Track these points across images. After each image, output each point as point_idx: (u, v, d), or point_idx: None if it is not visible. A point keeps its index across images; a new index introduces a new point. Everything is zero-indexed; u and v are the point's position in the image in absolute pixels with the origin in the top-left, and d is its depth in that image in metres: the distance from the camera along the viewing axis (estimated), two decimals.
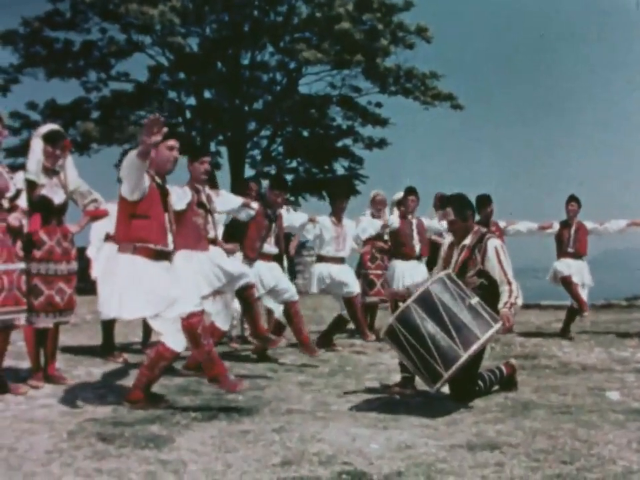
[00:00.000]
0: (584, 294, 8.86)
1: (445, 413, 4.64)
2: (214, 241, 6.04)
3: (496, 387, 5.32)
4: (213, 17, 21.91)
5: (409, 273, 8.33)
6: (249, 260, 6.78)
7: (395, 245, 8.66)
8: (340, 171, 23.98)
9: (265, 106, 23.08)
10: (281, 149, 24.12)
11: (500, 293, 5.05)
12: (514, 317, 4.99)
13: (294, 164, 24.25)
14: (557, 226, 9.03)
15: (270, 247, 6.98)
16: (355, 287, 7.84)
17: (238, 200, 6.64)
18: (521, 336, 8.59)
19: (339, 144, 24.19)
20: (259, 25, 21.83)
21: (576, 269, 8.82)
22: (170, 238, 4.82)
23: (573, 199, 9.04)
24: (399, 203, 8.88)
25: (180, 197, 5.52)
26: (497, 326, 4.72)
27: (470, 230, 5.30)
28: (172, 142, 4.80)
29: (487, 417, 4.53)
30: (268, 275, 6.78)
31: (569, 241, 8.89)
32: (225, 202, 6.47)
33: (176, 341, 4.69)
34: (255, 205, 6.76)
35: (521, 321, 10.10)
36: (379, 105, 23.61)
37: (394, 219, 8.54)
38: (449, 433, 4.12)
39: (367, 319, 9.24)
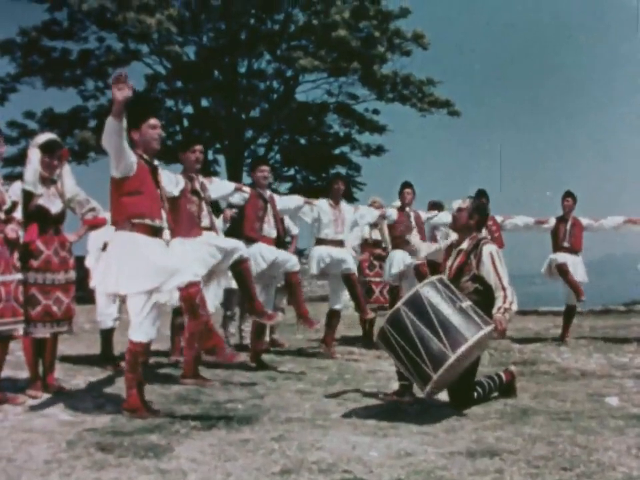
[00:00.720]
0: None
1: (444, 420, 4.63)
2: (209, 229, 6.06)
3: (495, 394, 5.32)
4: (209, 25, 21.98)
5: (409, 258, 8.39)
6: (251, 240, 6.79)
7: (394, 237, 8.68)
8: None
9: (262, 114, 23.12)
10: (278, 156, 24.18)
11: (495, 298, 5.07)
12: (508, 322, 5.00)
13: (291, 172, 24.32)
14: (553, 221, 9.07)
15: (269, 229, 6.99)
16: (352, 264, 7.86)
17: (231, 185, 6.79)
18: (520, 342, 8.59)
19: (337, 151, 24.24)
20: (255, 33, 21.88)
21: (571, 263, 8.85)
22: (164, 214, 4.87)
23: (568, 194, 9.08)
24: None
25: (171, 181, 5.55)
26: (488, 329, 4.71)
27: (470, 231, 5.34)
28: (153, 120, 4.83)
29: (486, 423, 4.53)
30: (267, 250, 6.79)
31: (565, 236, 8.93)
32: (218, 188, 6.56)
33: (141, 331, 4.70)
34: (247, 188, 6.86)
35: (519, 327, 10.11)
36: (376, 112, 23.69)
37: (391, 212, 8.57)
38: (449, 440, 4.12)
39: (366, 326, 9.25)
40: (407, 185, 8.74)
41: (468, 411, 4.88)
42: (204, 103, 22.70)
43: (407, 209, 8.66)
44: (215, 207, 6.81)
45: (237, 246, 5.93)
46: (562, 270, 8.82)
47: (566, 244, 8.93)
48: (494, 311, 4.96)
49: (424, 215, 8.91)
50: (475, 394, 5.10)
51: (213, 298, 6.13)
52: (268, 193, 7.14)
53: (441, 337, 4.56)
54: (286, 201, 7.53)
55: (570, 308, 8.98)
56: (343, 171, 24.07)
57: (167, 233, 5.12)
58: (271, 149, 23.80)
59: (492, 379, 5.30)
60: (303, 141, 24.16)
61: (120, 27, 20.03)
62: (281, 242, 7.38)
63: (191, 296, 4.65)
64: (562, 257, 8.88)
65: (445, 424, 4.54)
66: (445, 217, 8.91)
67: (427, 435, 4.23)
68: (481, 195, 8.74)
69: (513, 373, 5.47)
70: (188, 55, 21.70)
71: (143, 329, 4.71)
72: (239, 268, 5.93)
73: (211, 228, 6.11)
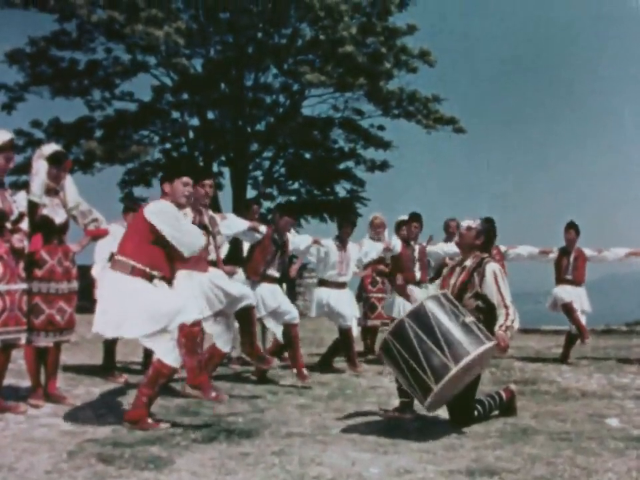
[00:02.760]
0: (583, 320, 8.86)
1: (444, 438, 4.64)
2: (214, 263, 6.04)
3: (495, 412, 5.32)
4: (217, 38, 22.07)
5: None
6: (252, 282, 6.81)
7: (396, 270, 8.54)
8: (342, 193, 24.03)
9: (268, 127, 23.17)
10: (283, 170, 24.17)
11: (497, 316, 5.09)
12: (509, 340, 5.02)
13: (296, 185, 24.30)
14: (556, 252, 9.04)
15: (272, 271, 6.98)
16: (350, 319, 7.81)
17: (244, 223, 6.61)
18: (521, 361, 8.59)
19: (341, 166, 24.23)
20: (262, 47, 21.97)
21: (575, 296, 8.83)
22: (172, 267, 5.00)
23: (571, 226, 9.02)
24: (399, 226, 8.79)
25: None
26: (490, 344, 4.73)
27: (474, 250, 5.37)
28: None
29: (486, 442, 4.53)
30: (270, 296, 6.80)
31: (567, 269, 8.90)
32: (231, 225, 6.45)
33: (172, 357, 4.70)
34: (263, 228, 6.75)
35: (521, 345, 10.11)
36: (381, 127, 23.69)
37: (396, 243, 8.48)
38: (448, 458, 4.12)
39: (368, 341, 9.26)
40: (415, 217, 8.52)
41: (468, 430, 4.88)
42: (210, 115, 22.74)
43: (412, 242, 8.49)
44: None
45: (245, 294, 5.90)
46: (568, 309, 8.80)
47: (569, 277, 8.89)
48: (496, 328, 4.99)
49: (429, 248, 8.70)
50: (476, 412, 5.11)
51: (225, 339, 6.09)
52: (286, 237, 7.12)
53: (444, 350, 4.58)
54: (297, 243, 7.45)
55: (573, 336, 8.94)
56: (347, 185, 24.12)
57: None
58: (275, 162, 23.84)
59: (492, 397, 5.31)
60: (308, 155, 24.17)
61: (128, 38, 20.13)
62: (283, 280, 7.37)
63: (193, 334, 4.72)
64: (566, 292, 8.82)
65: (445, 442, 4.54)
66: (441, 248, 8.83)
67: (427, 453, 4.24)
68: (488, 222, 8.69)
69: (513, 392, 5.48)
70: (195, 68, 21.78)
71: (174, 354, 4.71)
72: (244, 313, 5.94)
73: (217, 263, 6.08)
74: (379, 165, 23.96)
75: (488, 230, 5.48)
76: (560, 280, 8.97)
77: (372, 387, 6.72)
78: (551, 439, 4.60)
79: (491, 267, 5.22)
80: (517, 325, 5.10)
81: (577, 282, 8.92)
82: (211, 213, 6.10)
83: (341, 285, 7.87)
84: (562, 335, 9.61)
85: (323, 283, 7.87)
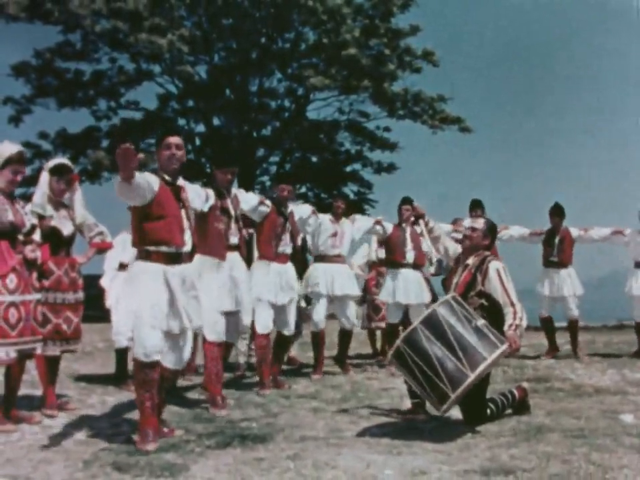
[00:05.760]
0: (574, 304, 8.90)
1: (458, 437, 4.63)
2: (237, 247, 6.06)
3: (509, 411, 5.31)
4: (220, 44, 22.15)
5: (402, 284, 8.21)
6: (266, 260, 6.76)
7: (387, 252, 8.52)
8: (349, 195, 24.03)
9: (274, 132, 23.23)
10: None
11: (504, 314, 5.07)
12: (520, 338, 5.00)
13: (303, 189, 24.33)
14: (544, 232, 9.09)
15: (285, 246, 6.90)
16: (353, 318, 7.92)
17: (255, 197, 6.68)
18: (533, 358, 8.57)
19: (348, 169, 24.27)
20: (266, 52, 22.03)
21: (564, 278, 8.88)
22: (188, 236, 4.69)
23: (555, 209, 9.03)
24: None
25: (199, 195, 5.26)
26: (504, 347, 4.73)
27: (479, 249, 5.37)
28: (168, 140, 4.70)
29: (500, 441, 4.52)
30: (280, 293, 6.78)
31: (553, 250, 8.93)
32: (248, 200, 6.51)
33: (144, 349, 4.49)
34: (268, 202, 6.75)
35: (533, 343, 10.08)
36: (387, 129, 23.74)
37: (388, 225, 8.41)
38: (463, 458, 4.12)
39: (386, 344, 9.26)
40: (405, 201, 8.43)
41: (482, 429, 4.88)
42: (216, 121, 22.83)
43: (404, 224, 8.42)
44: None
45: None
46: (546, 325, 9.01)
47: (554, 258, 8.92)
48: (505, 328, 4.96)
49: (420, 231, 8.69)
50: (489, 411, 5.09)
51: (232, 334, 6.18)
52: (289, 209, 7.08)
53: (460, 357, 4.57)
54: (300, 212, 7.37)
55: (572, 322, 9.00)
56: (354, 188, 24.15)
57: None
58: (282, 166, 23.87)
59: (505, 395, 5.30)
60: (314, 159, 24.21)
61: (132, 47, 20.23)
62: (296, 258, 7.31)
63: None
64: (549, 286, 8.91)
65: (459, 442, 4.54)
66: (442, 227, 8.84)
67: (441, 453, 4.24)
68: (476, 205, 8.77)
69: (526, 390, 5.47)
70: (199, 74, 21.88)
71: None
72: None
73: (239, 248, 6.09)
74: (386, 167, 23.99)
75: (492, 229, 5.48)
76: (546, 262, 9.01)
77: (384, 388, 6.71)
78: (565, 437, 4.58)
79: (494, 265, 5.20)
80: (525, 323, 5.08)
81: (563, 264, 8.94)
82: (234, 192, 6.16)
83: (337, 259, 7.83)
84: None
85: (318, 258, 7.84)
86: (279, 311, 6.84)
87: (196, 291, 4.75)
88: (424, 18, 22.77)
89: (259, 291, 6.52)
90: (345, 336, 7.94)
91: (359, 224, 8.21)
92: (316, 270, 7.75)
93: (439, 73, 23.34)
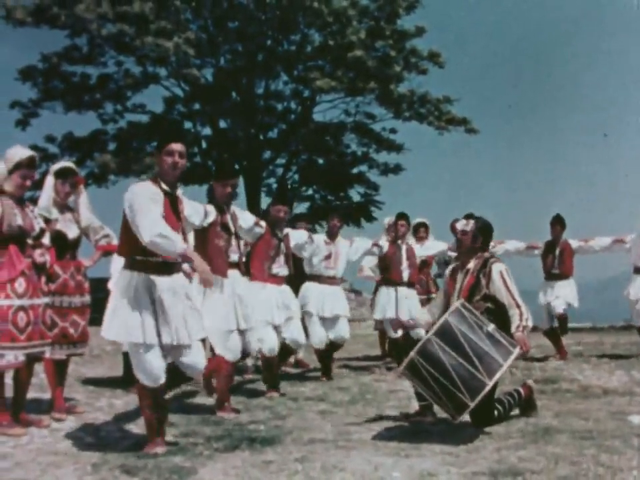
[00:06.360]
0: (560, 306, 8.86)
1: (466, 439, 4.63)
2: (237, 265, 5.95)
3: (516, 411, 5.31)
4: (226, 47, 22.15)
5: (394, 302, 8.23)
6: (259, 281, 6.67)
7: (382, 270, 8.54)
8: (356, 197, 24.03)
9: (280, 134, 23.22)
10: (296, 177, 24.22)
11: (510, 317, 5.06)
12: (529, 340, 5.01)
13: (310, 192, 24.33)
14: (542, 246, 9.05)
15: (280, 268, 6.84)
16: (346, 333, 7.86)
17: (252, 218, 6.43)
18: (541, 360, 8.55)
19: (354, 171, 24.23)
20: (272, 54, 22.04)
21: (563, 287, 8.89)
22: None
23: (556, 220, 9.02)
24: (389, 228, 8.87)
25: (197, 212, 5.09)
26: (517, 351, 4.75)
27: (475, 252, 5.34)
28: (170, 147, 4.51)
29: (509, 443, 4.52)
30: (281, 307, 6.76)
31: (554, 263, 8.90)
32: (246, 219, 6.30)
33: (149, 377, 4.37)
34: (263, 223, 6.60)
35: (541, 344, 10.05)
36: (393, 130, 23.69)
37: (384, 244, 8.44)
38: (471, 460, 4.11)
39: (385, 346, 9.27)
40: (401, 216, 8.45)
41: (490, 430, 4.87)
42: (222, 124, 22.85)
43: (399, 241, 8.42)
44: None
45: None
46: (549, 335, 8.98)
47: (555, 271, 8.91)
48: (513, 330, 4.97)
49: (418, 249, 8.66)
50: (496, 412, 5.09)
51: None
52: (284, 231, 7.00)
53: (476, 365, 4.57)
54: (296, 237, 7.29)
55: (548, 331, 9.03)
56: (361, 190, 24.11)
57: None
58: (289, 169, 23.87)
59: (511, 395, 5.30)
60: (321, 161, 24.18)
61: (138, 51, 20.24)
62: (292, 281, 7.19)
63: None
64: (558, 301, 8.85)
65: (467, 444, 4.53)
66: (436, 246, 8.88)
67: (449, 455, 4.23)
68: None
69: (531, 388, 5.46)
70: (205, 77, 21.87)
71: (154, 373, 4.38)
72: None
73: (238, 264, 5.97)
74: (392, 168, 23.96)
75: (483, 229, 5.39)
76: (548, 275, 8.99)
77: (392, 391, 6.72)
78: (573, 438, 4.58)
79: (497, 267, 5.19)
80: (531, 323, 5.08)
81: (564, 276, 8.93)
82: (233, 209, 5.94)
83: (330, 280, 7.80)
84: (581, 333, 9.57)
85: (311, 277, 7.80)
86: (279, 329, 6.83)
87: (192, 302, 4.58)
88: (429, 19, 22.80)
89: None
90: (335, 347, 7.90)
91: (356, 245, 8.18)
92: (307, 290, 7.70)
93: (444, 75, 23.32)
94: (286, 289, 6.93)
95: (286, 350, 7.13)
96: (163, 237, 4.14)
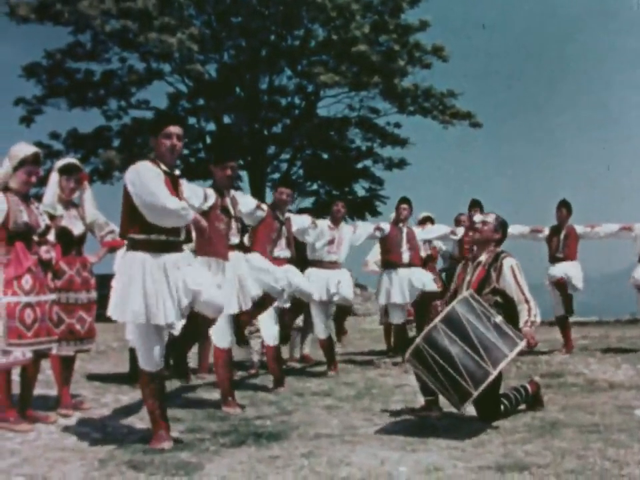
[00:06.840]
0: (559, 273, 8.82)
1: (472, 434, 4.63)
2: (238, 246, 5.93)
3: (522, 406, 5.31)
4: (230, 42, 22.15)
5: (398, 285, 8.25)
6: None
7: (383, 253, 8.58)
8: (360, 192, 24.03)
9: (284, 130, 23.24)
10: (301, 171, 24.24)
11: (518, 311, 5.09)
12: (536, 335, 5.02)
13: (314, 186, 24.34)
14: (547, 231, 9.05)
15: (282, 251, 6.86)
16: (350, 293, 7.92)
17: (253, 202, 6.45)
18: (547, 354, 8.54)
19: (359, 165, 24.24)
20: (276, 50, 22.04)
21: (568, 269, 8.84)
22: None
23: (562, 204, 9.01)
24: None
25: (197, 195, 5.15)
26: (522, 343, 4.75)
27: (489, 244, 5.38)
28: (169, 129, 4.48)
29: (515, 437, 4.52)
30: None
31: (558, 247, 8.90)
32: (247, 203, 6.32)
33: (150, 361, 4.45)
34: (264, 206, 6.63)
35: (547, 338, 10.04)
36: (397, 125, 23.68)
37: (385, 226, 8.47)
38: (477, 454, 4.12)
39: (390, 340, 9.27)
40: (403, 200, 8.54)
41: (496, 425, 4.87)
42: (226, 119, 22.86)
43: (401, 224, 8.46)
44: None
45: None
46: (559, 284, 8.84)
47: (560, 255, 8.90)
48: (521, 324, 4.99)
49: (419, 232, 8.71)
50: (502, 407, 5.10)
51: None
52: (286, 215, 7.00)
53: (481, 354, 4.57)
54: (299, 222, 7.33)
55: (560, 319, 8.97)
56: (365, 184, 24.12)
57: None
58: (293, 164, 23.90)
59: (518, 390, 5.31)
60: (325, 156, 24.20)
61: (142, 47, 20.28)
62: (294, 263, 7.15)
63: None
64: (559, 269, 8.85)
65: (474, 438, 4.53)
66: (438, 229, 8.93)
67: (456, 450, 4.24)
68: (475, 204, 8.90)
69: (538, 384, 5.48)
70: (209, 73, 21.87)
71: (153, 357, 4.46)
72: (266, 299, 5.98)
73: (240, 246, 5.98)
74: (397, 163, 23.95)
75: (503, 224, 5.48)
76: (552, 258, 8.99)
77: (398, 385, 6.72)
78: (580, 432, 4.58)
79: (509, 262, 5.21)
80: (539, 319, 5.10)
81: (569, 259, 8.91)
82: (232, 192, 5.93)
83: (332, 265, 7.78)
84: (587, 327, 9.56)
85: (313, 263, 7.80)
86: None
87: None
88: (433, 13, 22.70)
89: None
90: (343, 313, 7.87)
91: (359, 231, 8.21)
92: (310, 275, 7.69)
93: (448, 68, 23.27)
94: (290, 267, 6.89)
95: (299, 305, 7.16)
96: (184, 207, 4.33)
